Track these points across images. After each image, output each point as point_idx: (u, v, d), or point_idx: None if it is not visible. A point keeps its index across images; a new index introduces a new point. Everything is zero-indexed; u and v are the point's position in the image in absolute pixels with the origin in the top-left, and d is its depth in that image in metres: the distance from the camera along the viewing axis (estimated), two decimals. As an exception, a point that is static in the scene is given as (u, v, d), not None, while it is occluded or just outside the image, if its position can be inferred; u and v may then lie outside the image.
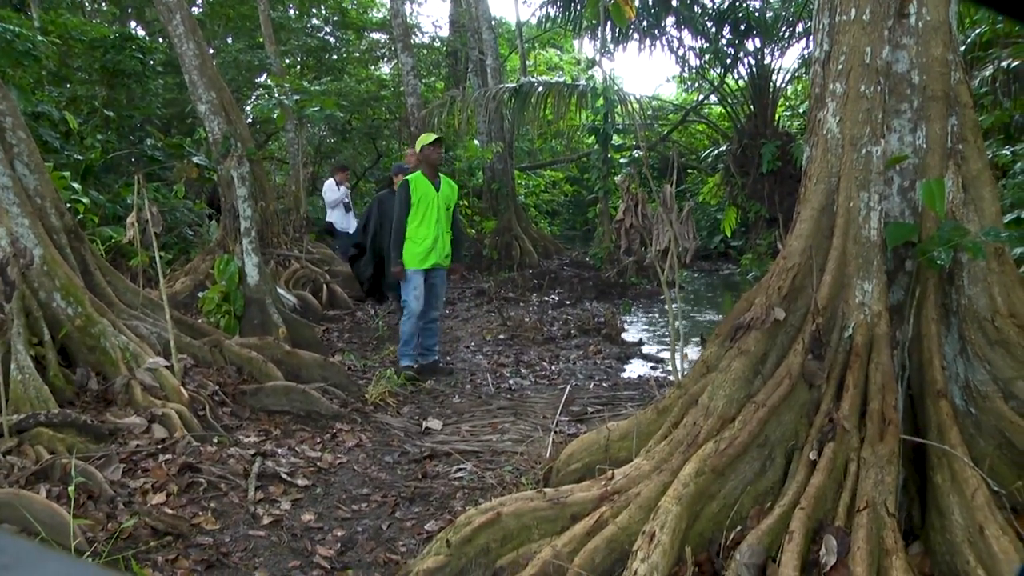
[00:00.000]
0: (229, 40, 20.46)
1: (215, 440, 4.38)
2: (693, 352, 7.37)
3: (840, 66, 2.85)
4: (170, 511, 3.64)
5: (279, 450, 4.51)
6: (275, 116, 10.51)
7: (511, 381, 6.43)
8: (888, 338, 2.70)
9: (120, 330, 4.83)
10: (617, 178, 3.91)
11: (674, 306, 4.09)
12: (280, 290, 9.28)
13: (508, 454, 4.52)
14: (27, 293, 4.71)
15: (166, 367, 4.67)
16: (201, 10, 20.73)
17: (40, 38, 10.96)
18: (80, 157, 10.72)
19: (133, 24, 20.66)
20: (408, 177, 6.39)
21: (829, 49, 2.94)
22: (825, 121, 2.89)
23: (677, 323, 3.85)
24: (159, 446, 4.16)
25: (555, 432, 4.81)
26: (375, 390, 5.68)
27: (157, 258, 4.80)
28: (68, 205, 5.58)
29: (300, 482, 4.15)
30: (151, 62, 13.92)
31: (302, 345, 6.31)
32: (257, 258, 6.34)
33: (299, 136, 16.27)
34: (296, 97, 10.63)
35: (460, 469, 4.32)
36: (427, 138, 6.42)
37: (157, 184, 12.81)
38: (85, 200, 6.10)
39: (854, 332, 2.74)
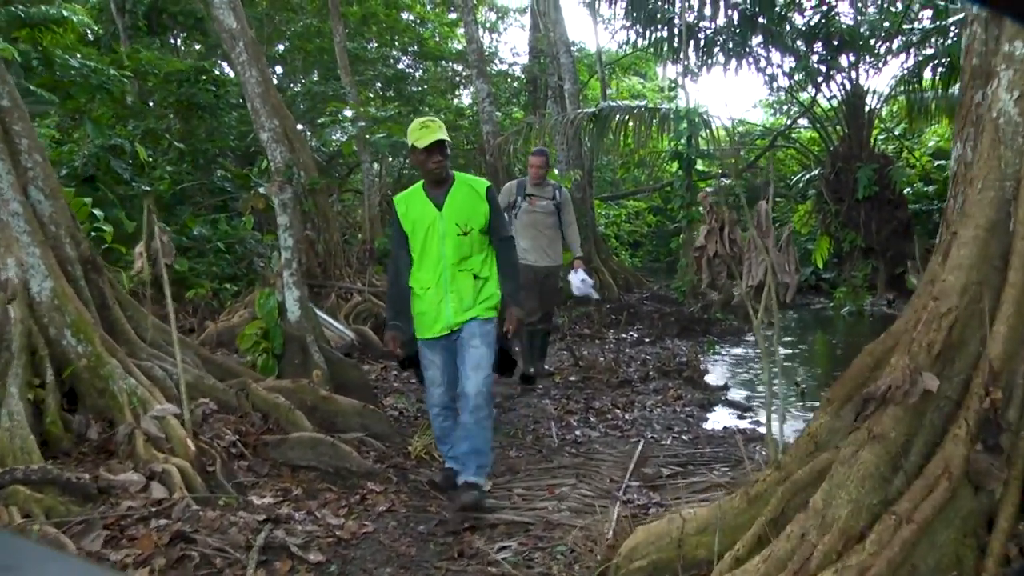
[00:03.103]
0: (315, 77, 20.62)
1: (221, 502, 3.78)
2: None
3: (1015, 22, 2.01)
4: (149, 595, 3.03)
5: (296, 514, 3.87)
6: (338, 143, 10.18)
7: (578, 432, 5.68)
8: (1091, 415, 1.86)
9: (130, 371, 4.31)
10: (699, 195, 3.12)
11: (770, 354, 3.28)
12: (339, 325, 8.80)
13: (564, 528, 3.76)
14: (34, 330, 4.26)
15: (175, 415, 4.12)
16: (284, 47, 21.00)
17: (113, 71, 10.97)
18: (148, 188, 10.60)
19: (222, 63, 21.05)
20: (397, 196, 4.29)
21: None
22: (994, 100, 2.03)
23: (775, 381, 3.05)
24: (154, 509, 3.58)
25: (622, 502, 4.03)
26: (420, 442, 5.02)
27: (167, 290, 4.28)
28: (92, 234, 5.21)
29: (312, 557, 3.49)
30: (225, 94, 13.90)
31: (347, 387, 5.71)
32: (299, 292, 5.80)
33: (382, 166, 16.00)
34: (361, 124, 10.26)
35: (504, 548, 3.58)
36: (413, 134, 4.00)
37: (227, 215, 12.69)
38: (108, 228, 5.72)
39: (1040, 406, 1.89)
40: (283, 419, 4.65)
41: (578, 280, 7.30)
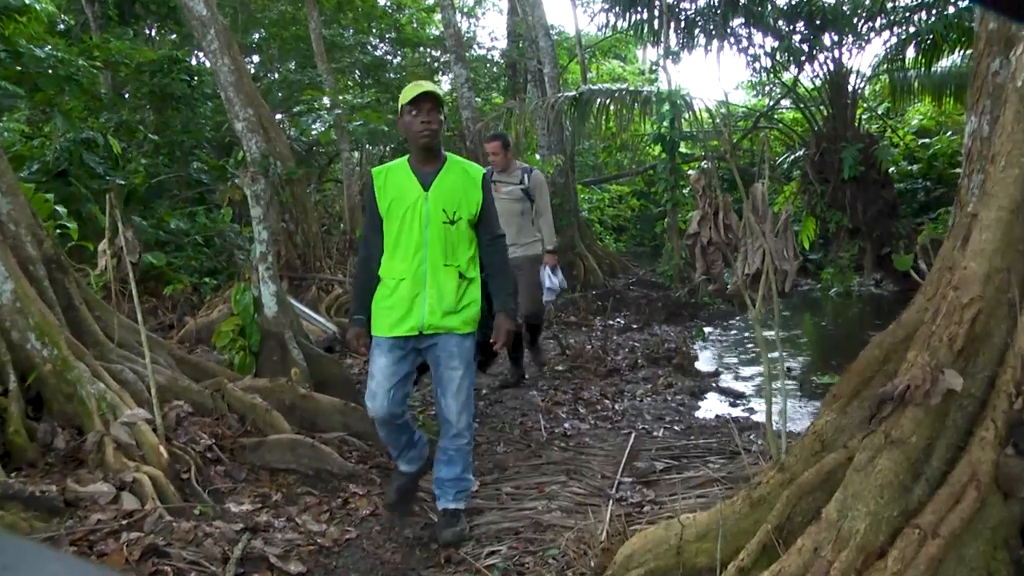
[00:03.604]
0: (291, 65, 20.27)
1: (196, 511, 3.61)
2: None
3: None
4: (119, 615, 2.86)
5: (276, 521, 3.71)
6: (316, 132, 9.96)
7: (567, 424, 5.53)
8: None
9: (98, 375, 4.12)
10: (691, 173, 2.90)
11: (769, 347, 3.14)
12: (319, 318, 8.62)
13: (556, 530, 3.62)
14: (-6, 334, 4.05)
15: (147, 420, 3.93)
16: (259, 35, 20.62)
17: (82, 62, 10.67)
18: (123, 183, 10.34)
19: (198, 52, 20.61)
20: (377, 168, 3.70)
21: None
22: (1018, 68, 1.84)
23: (775, 378, 2.91)
24: (125, 521, 3.41)
25: (615, 500, 3.89)
26: (404, 439, 4.85)
27: (134, 288, 4.09)
28: (57, 231, 4.99)
29: (292, 568, 3.33)
30: (200, 84, 13.60)
31: (327, 384, 5.53)
32: (275, 286, 5.60)
33: (361, 154, 15.76)
34: (339, 112, 10.02)
35: (493, 553, 3.44)
36: (403, 96, 3.45)
37: (205, 207, 12.45)
38: (72, 225, 5.49)
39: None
40: (261, 420, 4.47)
41: (545, 283, 6.83)
